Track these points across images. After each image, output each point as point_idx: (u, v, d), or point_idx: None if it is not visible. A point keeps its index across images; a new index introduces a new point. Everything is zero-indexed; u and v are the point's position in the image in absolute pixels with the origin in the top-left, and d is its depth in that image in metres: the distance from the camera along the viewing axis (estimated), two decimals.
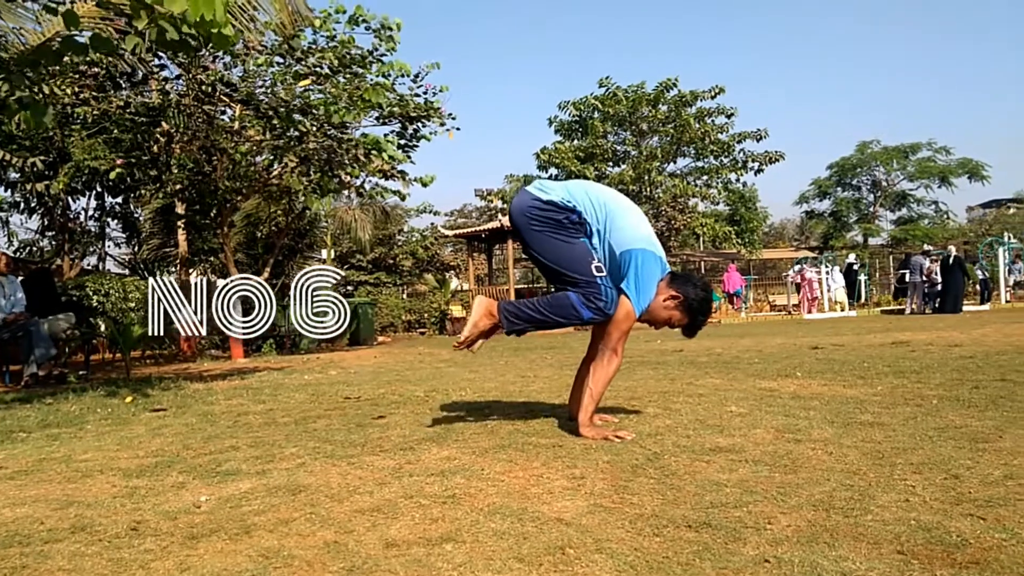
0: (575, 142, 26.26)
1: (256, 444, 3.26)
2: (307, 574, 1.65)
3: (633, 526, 1.87)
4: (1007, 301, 19.16)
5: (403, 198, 16.54)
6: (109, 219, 15.42)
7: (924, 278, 17.38)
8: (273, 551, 1.80)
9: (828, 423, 3.10)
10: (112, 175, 8.04)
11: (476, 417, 3.71)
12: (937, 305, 17.13)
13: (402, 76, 8.47)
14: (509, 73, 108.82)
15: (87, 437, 3.74)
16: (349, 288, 26.64)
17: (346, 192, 10.73)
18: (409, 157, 8.62)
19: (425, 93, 8.94)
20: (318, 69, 8.15)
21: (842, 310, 19.58)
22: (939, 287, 17.25)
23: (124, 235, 17.90)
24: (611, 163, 26.11)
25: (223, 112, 9.21)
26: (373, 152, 8.03)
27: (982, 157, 43.76)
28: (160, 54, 7.94)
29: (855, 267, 21.59)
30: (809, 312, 19.13)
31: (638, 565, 1.62)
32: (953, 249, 18.20)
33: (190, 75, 8.27)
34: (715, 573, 1.56)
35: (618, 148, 26.29)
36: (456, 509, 2.09)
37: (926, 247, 20.91)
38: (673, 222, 25.08)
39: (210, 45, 3.77)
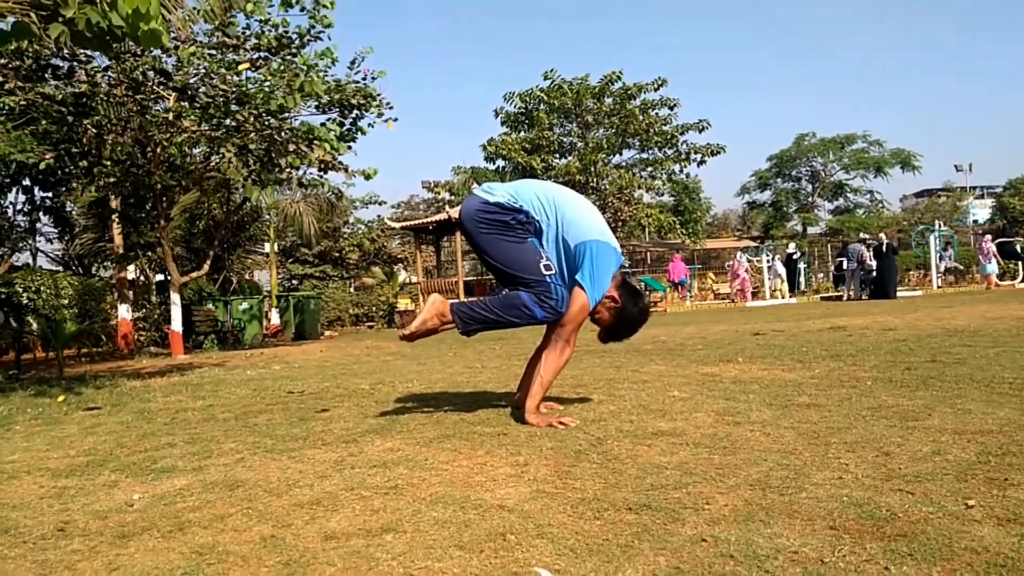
0: (522, 134, 26.25)
1: (193, 440, 3.18)
2: (242, 570, 1.61)
3: (575, 510, 1.88)
4: (939, 287, 19.86)
5: (340, 196, 16.26)
6: (40, 214, 14.84)
7: (859, 265, 17.90)
8: (207, 547, 1.75)
9: (767, 406, 3.17)
10: (41, 165, 7.71)
11: (422, 408, 3.69)
12: (873, 291, 17.66)
13: (335, 63, 8.27)
14: (455, 65, 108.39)
15: (15, 438, 3.60)
16: (294, 282, 26.24)
17: (286, 184, 10.49)
18: (350, 148, 8.47)
19: (364, 79, 8.80)
20: (254, 55, 7.94)
21: (783, 297, 20.05)
22: (874, 274, 17.79)
23: (56, 230, 17.29)
24: (557, 155, 26.18)
25: (157, 102, 8.93)
26: (315, 142, 7.86)
27: (916, 148, 45.25)
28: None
29: (795, 256, 22.11)
30: (752, 300, 19.54)
31: (578, 548, 1.62)
32: (884, 237, 18.77)
33: (121, 62, 7.99)
34: (653, 554, 1.57)
35: (564, 140, 26.37)
36: (398, 499, 2.07)
37: (863, 235, 21.52)
38: (619, 213, 25.29)
39: (133, 42, 3.62)
